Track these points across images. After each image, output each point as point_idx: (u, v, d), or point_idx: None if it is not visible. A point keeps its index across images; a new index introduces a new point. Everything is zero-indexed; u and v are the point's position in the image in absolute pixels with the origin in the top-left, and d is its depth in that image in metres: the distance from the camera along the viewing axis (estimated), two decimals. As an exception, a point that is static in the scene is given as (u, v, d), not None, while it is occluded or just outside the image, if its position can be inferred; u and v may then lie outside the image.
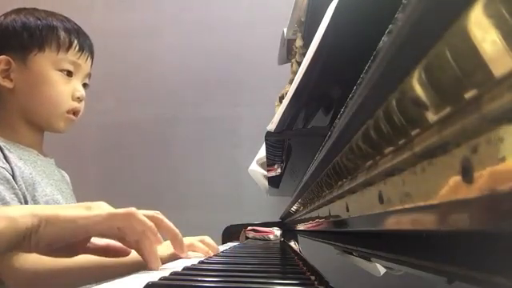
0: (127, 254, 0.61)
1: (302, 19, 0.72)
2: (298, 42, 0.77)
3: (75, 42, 0.91)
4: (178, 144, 1.78)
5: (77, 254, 0.60)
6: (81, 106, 0.93)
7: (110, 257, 0.62)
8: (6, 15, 0.91)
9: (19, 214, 0.53)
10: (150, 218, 0.59)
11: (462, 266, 0.19)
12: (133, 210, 0.57)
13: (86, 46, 0.94)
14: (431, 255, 0.22)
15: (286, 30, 0.89)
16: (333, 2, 0.39)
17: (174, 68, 1.82)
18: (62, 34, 0.90)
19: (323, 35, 0.41)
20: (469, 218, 0.15)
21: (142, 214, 0.58)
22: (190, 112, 1.79)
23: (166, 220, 0.63)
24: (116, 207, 0.60)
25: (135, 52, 1.80)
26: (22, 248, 0.54)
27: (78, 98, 0.92)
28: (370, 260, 0.49)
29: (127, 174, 1.78)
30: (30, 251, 0.55)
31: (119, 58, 1.66)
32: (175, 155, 1.78)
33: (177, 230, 0.63)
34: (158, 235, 0.58)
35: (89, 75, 0.96)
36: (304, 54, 0.50)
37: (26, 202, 0.78)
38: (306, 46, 0.68)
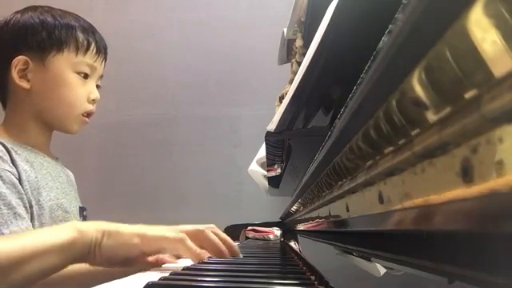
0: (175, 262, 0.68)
1: (302, 19, 0.72)
2: (298, 42, 0.77)
3: (93, 44, 0.90)
4: (178, 144, 1.78)
5: (131, 267, 0.64)
6: (94, 107, 0.93)
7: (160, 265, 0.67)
8: (22, 12, 0.90)
9: (86, 227, 0.59)
10: (197, 232, 0.65)
11: (462, 266, 0.19)
12: (182, 236, 0.62)
13: (103, 49, 0.93)
14: (431, 255, 0.22)
15: (285, 30, 0.89)
16: (333, 2, 0.39)
17: (174, 68, 1.82)
18: (80, 36, 0.89)
19: (323, 35, 0.41)
20: (469, 217, 0.15)
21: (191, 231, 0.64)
22: (190, 112, 1.79)
23: (211, 236, 0.67)
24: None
25: (135, 52, 1.80)
26: (86, 260, 0.59)
27: (93, 100, 0.92)
28: (370, 260, 0.49)
29: (127, 174, 1.78)
30: (94, 264, 0.60)
31: (119, 58, 1.66)
32: (175, 155, 1.78)
33: (220, 245, 0.67)
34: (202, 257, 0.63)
35: (101, 77, 0.96)
36: (304, 54, 0.50)
37: (31, 207, 0.78)
38: (306, 46, 0.68)
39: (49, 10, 0.91)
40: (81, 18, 0.93)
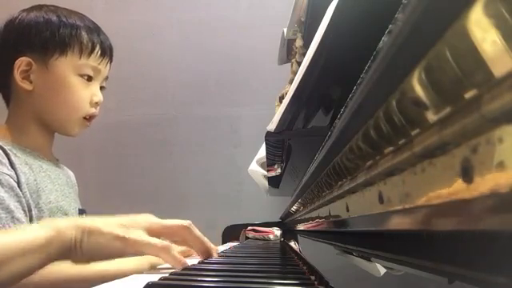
0: None
1: (302, 19, 0.72)
2: (298, 42, 0.77)
3: (97, 46, 0.90)
4: (178, 144, 1.78)
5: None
6: (97, 110, 0.93)
7: None
8: (27, 11, 0.89)
9: (65, 225, 0.57)
10: (182, 228, 0.63)
11: (462, 266, 0.19)
12: (168, 244, 0.59)
13: (108, 50, 0.92)
14: (431, 255, 0.22)
15: (285, 30, 0.89)
16: (333, 2, 0.39)
17: (174, 68, 1.82)
18: (85, 37, 0.88)
19: (323, 35, 0.41)
20: (469, 218, 0.15)
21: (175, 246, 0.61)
22: (190, 112, 1.79)
23: (197, 232, 0.65)
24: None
25: (135, 52, 1.80)
26: (68, 258, 0.57)
27: (96, 103, 0.91)
28: (370, 260, 0.49)
29: (127, 174, 1.78)
30: (76, 261, 0.59)
31: (119, 58, 1.66)
32: (175, 155, 1.78)
33: (207, 242, 0.66)
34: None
35: (106, 78, 0.95)
36: (304, 54, 0.50)
37: (30, 211, 0.77)
38: (306, 46, 0.68)
39: (54, 9, 0.90)
40: (86, 18, 0.92)
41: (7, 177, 0.75)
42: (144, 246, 0.59)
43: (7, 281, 0.52)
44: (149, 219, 0.63)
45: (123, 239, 0.58)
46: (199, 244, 0.65)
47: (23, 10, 0.90)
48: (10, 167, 0.77)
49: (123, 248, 0.58)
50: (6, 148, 0.79)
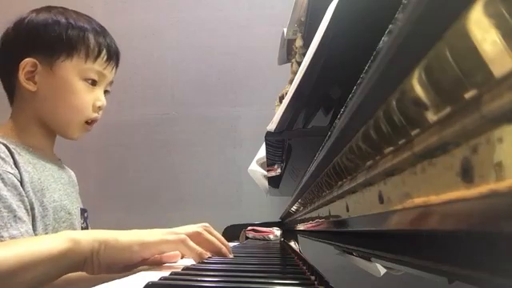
0: (178, 257, 0.68)
1: (302, 19, 0.72)
2: (298, 42, 0.77)
3: (104, 50, 0.89)
4: (178, 144, 1.78)
5: (131, 271, 0.65)
6: (99, 115, 0.92)
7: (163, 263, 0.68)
8: (37, 12, 0.90)
9: (82, 237, 0.59)
10: (195, 234, 0.66)
11: (462, 266, 0.19)
12: (183, 237, 0.63)
13: (114, 55, 0.92)
14: (431, 255, 0.22)
15: (285, 30, 0.89)
16: (333, 2, 0.39)
17: (174, 68, 1.82)
18: (92, 41, 0.88)
19: (323, 35, 0.41)
20: (469, 217, 0.15)
21: (189, 232, 0.66)
22: (190, 112, 1.79)
23: (209, 236, 0.68)
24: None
25: (135, 52, 1.80)
26: (83, 270, 0.59)
27: (99, 107, 0.91)
28: (369, 260, 0.49)
29: (128, 174, 1.78)
30: (92, 273, 0.60)
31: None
32: (175, 155, 1.78)
33: (219, 245, 0.69)
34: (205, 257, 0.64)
35: (111, 83, 0.95)
36: (304, 54, 0.50)
37: (33, 209, 0.78)
38: (306, 46, 0.68)
39: (63, 11, 0.90)
40: (93, 21, 0.92)
41: (10, 175, 0.75)
42: (160, 244, 0.62)
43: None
44: (162, 230, 0.66)
45: (140, 243, 0.61)
46: (209, 246, 0.67)
47: (33, 11, 0.90)
48: (13, 166, 0.77)
49: (141, 251, 0.61)
50: (11, 147, 0.79)
